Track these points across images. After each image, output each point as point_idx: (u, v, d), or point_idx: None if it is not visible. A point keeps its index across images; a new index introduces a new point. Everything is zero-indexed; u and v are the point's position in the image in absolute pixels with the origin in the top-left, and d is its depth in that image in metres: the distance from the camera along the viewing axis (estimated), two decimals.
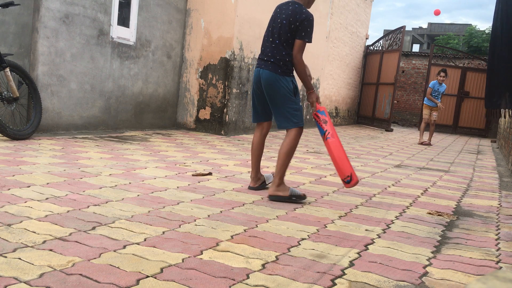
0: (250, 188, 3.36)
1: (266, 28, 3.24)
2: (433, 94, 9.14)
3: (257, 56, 7.44)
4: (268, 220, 2.60)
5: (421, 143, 9.08)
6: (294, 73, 3.18)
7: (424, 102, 9.42)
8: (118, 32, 5.90)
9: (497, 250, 2.41)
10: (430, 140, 9.25)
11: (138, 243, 2.01)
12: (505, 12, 3.39)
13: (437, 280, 1.90)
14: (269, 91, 3.12)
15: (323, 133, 3.10)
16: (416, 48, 46.83)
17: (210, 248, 2.03)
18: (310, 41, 3.10)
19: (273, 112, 3.20)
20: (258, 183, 3.36)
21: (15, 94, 4.58)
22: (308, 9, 3.19)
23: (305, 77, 3.13)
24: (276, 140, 7.00)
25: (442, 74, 9.10)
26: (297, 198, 3.05)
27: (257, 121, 3.35)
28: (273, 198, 3.06)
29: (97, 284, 1.57)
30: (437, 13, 8.66)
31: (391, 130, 12.60)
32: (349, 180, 3.02)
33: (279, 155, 3.12)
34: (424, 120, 9.35)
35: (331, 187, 3.74)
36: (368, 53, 14.52)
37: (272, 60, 3.10)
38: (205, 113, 7.03)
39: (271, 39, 3.14)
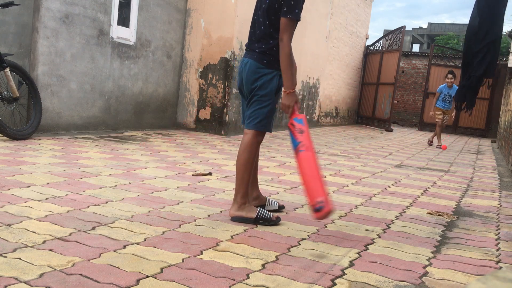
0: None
1: (253, 12, 2.67)
2: (444, 99, 8.79)
3: None
4: None
5: (440, 146, 8.67)
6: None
7: (436, 105, 8.92)
8: (118, 32, 5.90)
9: (497, 250, 2.41)
10: (432, 140, 9.05)
11: (138, 243, 2.01)
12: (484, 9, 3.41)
13: (437, 280, 1.90)
14: (248, 84, 2.58)
15: (296, 145, 2.41)
16: (416, 48, 46.82)
17: (210, 248, 2.03)
18: (295, 18, 2.44)
19: (247, 106, 2.62)
20: (257, 202, 2.77)
21: (15, 94, 4.58)
22: None
23: (288, 68, 2.46)
24: (276, 140, 6.99)
25: (450, 76, 8.60)
26: (264, 221, 2.50)
27: (242, 123, 2.73)
28: (236, 219, 2.53)
29: (97, 284, 1.58)
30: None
31: (391, 130, 12.60)
32: (320, 208, 2.22)
33: (236, 168, 2.58)
34: (438, 124, 8.90)
35: (331, 187, 3.73)
36: (368, 53, 14.52)
37: (257, 50, 2.56)
38: (205, 113, 7.03)
39: (256, 25, 2.60)
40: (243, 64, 2.62)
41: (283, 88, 2.53)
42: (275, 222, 2.53)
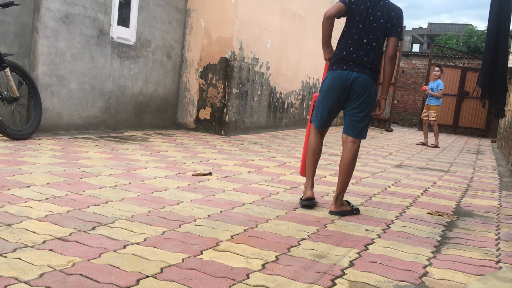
0: (307, 199, 2.97)
1: (352, 25, 2.88)
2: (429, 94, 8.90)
3: (257, 56, 7.43)
4: (268, 220, 2.60)
5: (420, 143, 8.82)
6: None
7: (426, 103, 9.08)
8: (118, 32, 5.89)
9: (497, 250, 2.41)
10: (437, 142, 8.77)
11: (138, 243, 2.01)
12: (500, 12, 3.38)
13: (437, 280, 1.90)
14: (361, 98, 2.86)
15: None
16: (416, 48, 46.82)
17: (210, 248, 2.03)
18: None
19: (357, 120, 2.91)
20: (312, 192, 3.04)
21: (15, 94, 4.58)
22: None
23: (390, 81, 2.94)
24: (276, 140, 7.00)
25: (436, 69, 8.74)
26: (356, 211, 2.92)
27: (324, 128, 3.06)
28: (339, 213, 2.87)
29: (97, 284, 1.58)
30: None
31: (391, 130, 12.60)
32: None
33: (345, 171, 2.90)
34: (423, 121, 9.02)
35: (331, 187, 3.73)
36: None
37: (369, 65, 2.85)
38: (205, 113, 7.03)
39: (365, 40, 2.84)
40: (348, 76, 2.85)
41: (382, 96, 3.02)
42: (359, 210, 2.98)
